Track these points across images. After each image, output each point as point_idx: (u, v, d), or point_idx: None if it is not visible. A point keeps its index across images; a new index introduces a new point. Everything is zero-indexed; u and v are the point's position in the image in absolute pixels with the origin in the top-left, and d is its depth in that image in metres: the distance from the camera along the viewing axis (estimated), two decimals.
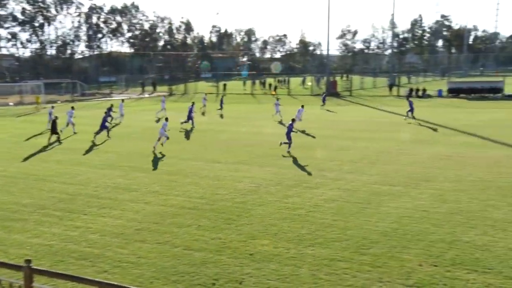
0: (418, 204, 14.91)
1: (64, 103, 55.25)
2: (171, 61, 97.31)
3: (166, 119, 26.99)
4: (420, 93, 58.88)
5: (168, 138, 26.14)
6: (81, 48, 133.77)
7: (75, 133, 31.50)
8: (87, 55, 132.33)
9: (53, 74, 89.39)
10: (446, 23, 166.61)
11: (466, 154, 22.31)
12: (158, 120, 37.84)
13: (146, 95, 71.83)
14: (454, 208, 14.35)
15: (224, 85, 73.13)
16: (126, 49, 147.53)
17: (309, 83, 78.47)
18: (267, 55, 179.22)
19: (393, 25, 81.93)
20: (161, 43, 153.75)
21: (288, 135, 24.20)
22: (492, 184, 16.89)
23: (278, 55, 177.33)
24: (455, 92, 57.65)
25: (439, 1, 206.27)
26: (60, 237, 12.77)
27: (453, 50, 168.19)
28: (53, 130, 28.47)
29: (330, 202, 15.31)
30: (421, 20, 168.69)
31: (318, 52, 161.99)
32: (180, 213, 14.56)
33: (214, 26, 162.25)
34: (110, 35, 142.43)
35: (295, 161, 21.78)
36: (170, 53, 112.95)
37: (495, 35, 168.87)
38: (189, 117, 34.40)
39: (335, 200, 15.51)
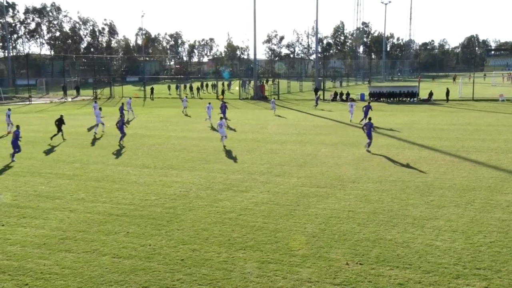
0: (345, 204, 15.44)
1: None
2: (95, 64, 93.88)
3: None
4: (344, 97, 61.01)
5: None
6: None
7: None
8: (1, 56, 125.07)
9: None
10: (366, 29, 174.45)
11: (387, 156, 23.40)
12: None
13: (69, 99, 68.91)
14: (378, 208, 15.01)
15: (152, 88, 71.75)
16: (46, 51, 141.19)
17: (237, 88, 78.83)
18: (195, 59, 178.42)
19: (316, 31, 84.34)
20: (84, 45, 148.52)
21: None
22: (411, 184, 17.85)
23: (205, 59, 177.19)
24: (376, 96, 60.32)
25: (360, 9, 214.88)
26: None
27: (373, 56, 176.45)
28: None
29: (260, 205, 15.47)
30: (343, 26, 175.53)
31: (245, 56, 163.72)
32: (108, 220, 14.10)
33: (140, 29, 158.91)
34: (28, 36, 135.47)
35: (224, 165, 21.80)
36: (93, 56, 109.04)
37: (410, 42, 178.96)
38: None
39: (265, 203, 15.69)
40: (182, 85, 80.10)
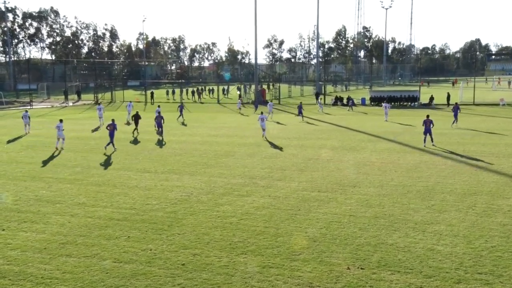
0: (346, 209, 15.42)
1: None
2: (96, 69, 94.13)
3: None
4: (344, 101, 61.03)
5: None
6: None
7: None
8: (2, 61, 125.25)
9: None
10: (367, 34, 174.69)
11: (388, 160, 23.40)
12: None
13: (70, 104, 69.02)
14: (379, 212, 14.99)
15: (152, 93, 71.86)
16: (46, 55, 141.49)
17: (238, 92, 78.81)
18: (196, 64, 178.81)
19: (317, 35, 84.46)
20: (85, 50, 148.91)
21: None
22: (412, 189, 17.83)
23: (206, 63, 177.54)
24: (377, 100, 60.38)
25: (361, 13, 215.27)
26: None
27: (374, 61, 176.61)
28: None
29: (261, 210, 15.46)
30: (344, 31, 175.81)
31: (246, 60, 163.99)
32: (109, 225, 14.09)
33: (141, 34, 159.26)
34: (28, 40, 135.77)
35: (225, 169, 21.79)
36: (94, 61, 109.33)
37: (410, 47, 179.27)
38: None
39: (266, 208, 15.67)
40: (184, 90, 79.81)
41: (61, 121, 28.58)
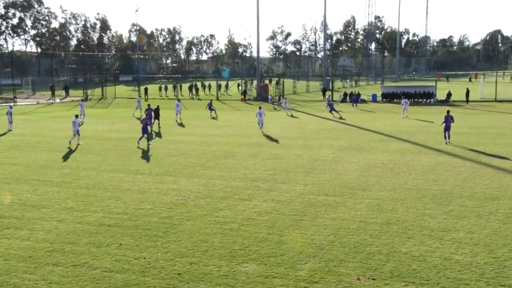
0: (355, 214, 15.41)
1: None
2: (86, 62, 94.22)
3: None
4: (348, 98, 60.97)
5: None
6: None
7: None
8: None
9: None
10: (379, 25, 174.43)
11: (401, 161, 23.38)
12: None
13: (58, 100, 69.15)
14: (391, 218, 14.98)
15: (146, 89, 71.96)
16: (31, 48, 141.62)
17: (240, 87, 78.81)
18: (193, 57, 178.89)
19: (325, 26, 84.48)
20: (74, 42, 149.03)
21: None
22: (427, 193, 17.81)
23: (205, 57, 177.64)
24: (389, 97, 60.33)
25: (372, 2, 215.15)
26: None
27: (386, 54, 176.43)
28: None
29: (264, 215, 15.46)
30: (354, 21, 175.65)
31: (247, 54, 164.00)
32: (99, 231, 14.11)
33: (134, 25, 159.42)
34: (11, 32, 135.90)
35: (225, 171, 21.81)
36: (84, 53, 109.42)
37: (426, 39, 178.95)
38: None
39: (269, 213, 15.68)
40: (178, 85, 79.62)
41: (76, 116, 30.40)
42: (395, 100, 58.76)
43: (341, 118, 42.43)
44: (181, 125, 39.63)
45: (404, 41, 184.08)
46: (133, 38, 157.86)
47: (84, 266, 11.75)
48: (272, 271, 11.35)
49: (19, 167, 23.22)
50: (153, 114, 35.78)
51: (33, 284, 10.82)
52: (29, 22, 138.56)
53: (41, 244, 13.21)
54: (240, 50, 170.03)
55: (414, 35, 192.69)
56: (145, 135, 29.18)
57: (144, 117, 30.11)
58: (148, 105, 37.60)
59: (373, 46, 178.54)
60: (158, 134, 33.87)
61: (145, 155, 25.89)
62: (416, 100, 58.03)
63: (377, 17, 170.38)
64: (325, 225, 14.41)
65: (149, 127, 30.80)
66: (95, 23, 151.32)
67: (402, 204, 16.43)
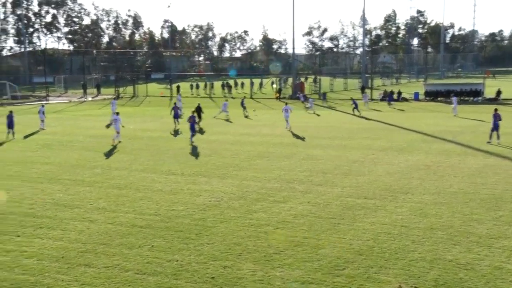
0: (396, 219, 15.21)
1: None
2: (117, 60, 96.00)
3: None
4: (395, 96, 60.18)
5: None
6: (9, 44, 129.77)
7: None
8: (17, 52, 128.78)
9: None
10: (422, 19, 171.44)
11: (446, 163, 22.94)
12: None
13: (89, 98, 70.62)
14: (435, 223, 14.71)
15: (178, 87, 72.72)
16: (64, 46, 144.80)
17: (275, 85, 78.83)
18: (226, 54, 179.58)
19: (364, 21, 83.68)
20: (105, 39, 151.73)
21: None
22: (474, 197, 17.42)
23: (238, 54, 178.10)
24: (432, 95, 59.33)
25: None
26: None
27: (429, 49, 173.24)
28: None
29: (300, 218, 15.41)
30: (395, 16, 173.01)
31: (282, 50, 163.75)
32: (131, 232, 14.33)
33: (166, 21, 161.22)
34: (44, 29, 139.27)
35: (259, 172, 21.84)
36: (115, 51, 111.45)
37: (473, 33, 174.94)
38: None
39: (305, 216, 15.62)
40: (209, 84, 79.65)
41: (117, 113, 31.77)
42: (439, 99, 57.71)
43: (362, 117, 42.97)
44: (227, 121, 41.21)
45: (449, 36, 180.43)
46: (165, 35, 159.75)
47: (116, 267, 11.95)
48: (309, 276, 11.30)
49: (51, 166, 23.79)
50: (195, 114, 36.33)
51: (66, 285, 11.07)
52: (62, 20, 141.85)
53: (73, 244, 13.51)
54: (275, 46, 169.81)
55: (460, 29, 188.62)
56: (193, 134, 30.33)
57: (191, 115, 30.87)
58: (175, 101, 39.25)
59: (415, 41, 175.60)
60: (200, 131, 34.47)
61: (177, 155, 26.15)
62: (462, 98, 56.88)
63: (419, 12, 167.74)
64: (364, 230, 14.27)
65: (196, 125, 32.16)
66: (126, 20, 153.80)
67: (447, 208, 16.12)
